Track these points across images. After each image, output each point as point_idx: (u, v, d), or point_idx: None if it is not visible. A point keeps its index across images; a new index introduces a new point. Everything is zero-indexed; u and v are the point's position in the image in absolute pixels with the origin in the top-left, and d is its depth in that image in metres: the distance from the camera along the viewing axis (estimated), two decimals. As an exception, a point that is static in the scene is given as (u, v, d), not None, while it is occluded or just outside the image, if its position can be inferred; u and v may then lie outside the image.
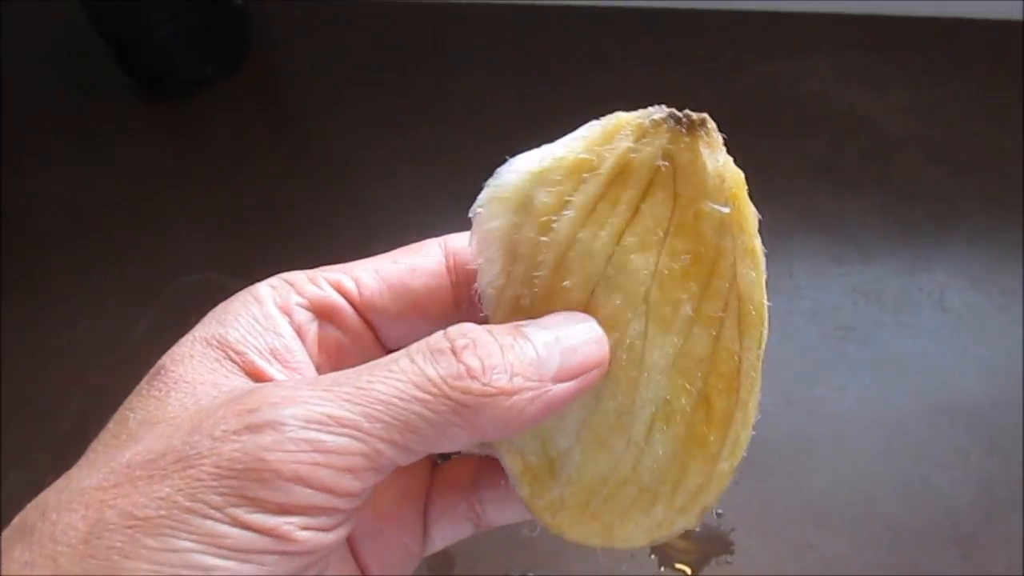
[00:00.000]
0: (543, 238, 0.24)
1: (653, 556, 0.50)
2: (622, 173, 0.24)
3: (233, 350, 0.23)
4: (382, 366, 0.21)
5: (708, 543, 0.51)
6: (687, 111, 0.23)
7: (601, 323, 0.24)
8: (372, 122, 0.72)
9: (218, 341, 0.23)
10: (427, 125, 0.71)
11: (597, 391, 0.25)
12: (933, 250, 0.59)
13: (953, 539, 0.50)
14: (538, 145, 0.25)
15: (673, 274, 0.24)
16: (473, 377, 0.21)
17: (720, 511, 0.51)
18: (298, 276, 0.26)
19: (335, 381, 0.21)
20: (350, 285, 0.26)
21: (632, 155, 0.24)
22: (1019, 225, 0.60)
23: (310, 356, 0.25)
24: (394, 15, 0.79)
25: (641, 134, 0.23)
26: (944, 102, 0.65)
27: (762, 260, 0.24)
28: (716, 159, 0.23)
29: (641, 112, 0.24)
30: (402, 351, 0.22)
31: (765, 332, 0.25)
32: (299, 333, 0.25)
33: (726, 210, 0.23)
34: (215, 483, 0.19)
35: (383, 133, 0.71)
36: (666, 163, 0.23)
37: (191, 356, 0.23)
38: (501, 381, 0.21)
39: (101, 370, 0.61)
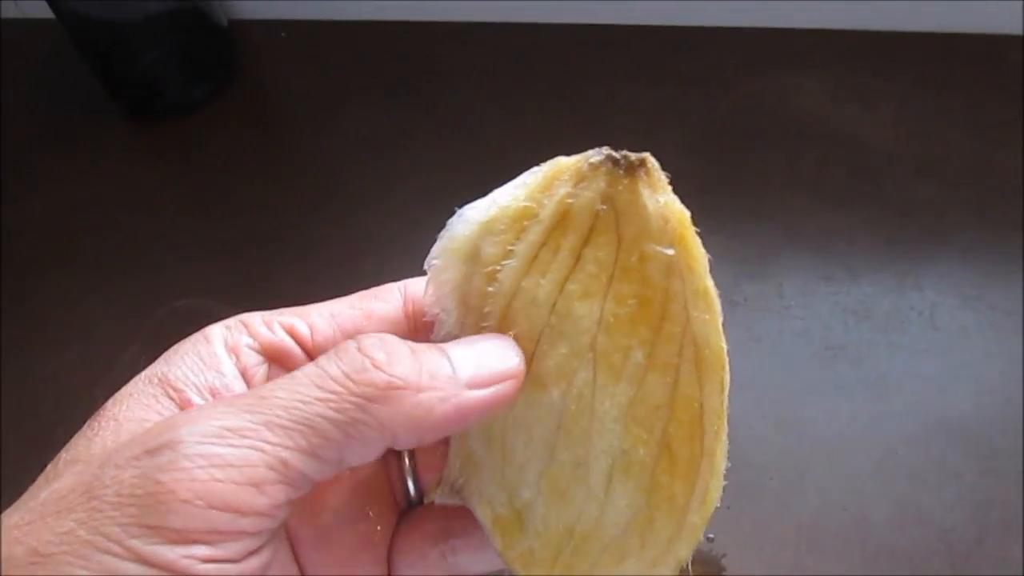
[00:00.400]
0: (490, 288, 0.24)
1: (644, 582, 0.49)
2: (563, 219, 0.23)
3: (172, 387, 0.23)
4: (289, 375, 0.21)
5: (699, 569, 0.50)
6: (625, 152, 0.23)
7: (548, 373, 0.24)
8: (362, 142, 0.72)
9: (159, 379, 0.23)
10: (417, 144, 0.71)
11: (551, 441, 0.24)
12: (923, 267, 0.59)
13: (948, 561, 0.49)
14: (525, 164, 0.25)
15: (620, 320, 0.23)
16: (378, 368, 0.21)
17: (711, 535, 0.51)
18: (253, 318, 0.25)
19: (240, 396, 0.20)
20: (303, 330, 0.25)
21: (571, 201, 0.23)
22: (1010, 241, 0.59)
23: None
24: (382, 34, 0.79)
25: (580, 179, 0.23)
26: (933, 117, 0.65)
27: (716, 302, 0.23)
28: (657, 200, 0.23)
29: (580, 156, 0.23)
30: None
31: (727, 377, 0.24)
32: (246, 375, 0.24)
33: (670, 252, 0.23)
34: (115, 512, 0.18)
35: (373, 153, 0.71)
36: (604, 207, 0.23)
37: (131, 395, 0.23)
38: (409, 375, 0.21)
39: (90, 396, 0.60)
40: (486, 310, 0.24)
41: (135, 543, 0.18)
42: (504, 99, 0.73)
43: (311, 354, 0.25)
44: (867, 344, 0.56)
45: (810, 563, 0.50)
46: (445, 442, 0.27)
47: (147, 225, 0.70)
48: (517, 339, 0.24)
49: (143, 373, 0.23)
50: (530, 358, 0.24)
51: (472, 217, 0.24)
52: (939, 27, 0.69)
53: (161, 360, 0.24)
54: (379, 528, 0.27)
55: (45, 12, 0.70)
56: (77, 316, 0.65)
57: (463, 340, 0.24)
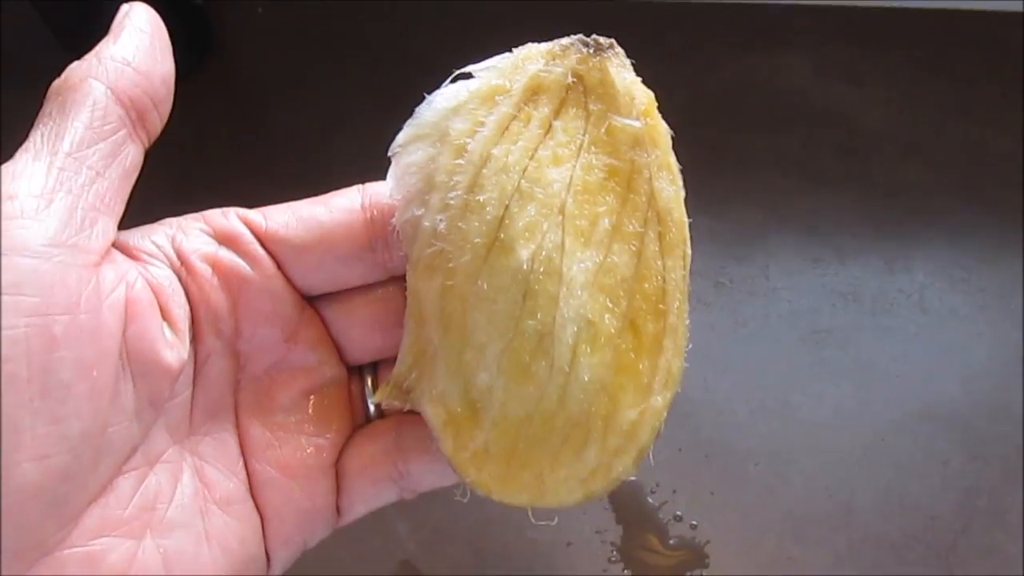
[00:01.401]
0: (458, 160, 0.24)
1: (627, 571, 0.49)
2: (534, 93, 0.24)
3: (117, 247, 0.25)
4: None
5: (682, 556, 0.49)
6: (595, 35, 0.25)
7: (516, 235, 0.24)
8: (341, 121, 0.70)
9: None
10: (399, 122, 0.69)
11: (516, 311, 0.24)
12: (912, 249, 0.58)
13: (933, 549, 0.48)
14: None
15: (589, 187, 0.24)
16: None
17: (695, 522, 0.50)
18: (214, 211, 0.27)
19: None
20: (257, 218, 0.26)
21: (543, 75, 0.24)
22: (1000, 223, 0.58)
23: (207, 275, 0.25)
24: (363, 10, 0.77)
25: (551, 58, 0.24)
26: (923, 97, 0.64)
27: (679, 176, 0.25)
28: (624, 77, 0.24)
29: (551, 42, 0.25)
30: None
31: (688, 252, 0.25)
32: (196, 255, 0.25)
33: (637, 124, 0.24)
34: None
35: (350, 131, 0.69)
36: (575, 79, 0.24)
37: None
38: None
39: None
40: (454, 180, 0.24)
41: None
42: (486, 77, 0.71)
43: (263, 239, 0.26)
44: (855, 328, 0.55)
45: (795, 550, 0.49)
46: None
47: (119, 205, 0.68)
48: (485, 204, 0.24)
49: None
50: (498, 224, 0.24)
51: (440, 103, 0.25)
52: (930, 4, 0.67)
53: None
54: (330, 437, 0.27)
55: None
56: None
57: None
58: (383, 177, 0.26)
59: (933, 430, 0.52)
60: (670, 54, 0.68)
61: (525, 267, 0.24)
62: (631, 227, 0.24)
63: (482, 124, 0.24)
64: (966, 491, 0.50)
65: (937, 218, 0.59)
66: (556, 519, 0.26)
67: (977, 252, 0.57)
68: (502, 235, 0.24)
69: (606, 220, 0.24)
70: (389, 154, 0.25)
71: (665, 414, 0.25)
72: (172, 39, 0.24)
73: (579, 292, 0.23)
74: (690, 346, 0.25)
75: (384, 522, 0.49)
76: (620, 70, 0.24)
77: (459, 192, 0.24)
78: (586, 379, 0.24)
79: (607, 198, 0.24)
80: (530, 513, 0.26)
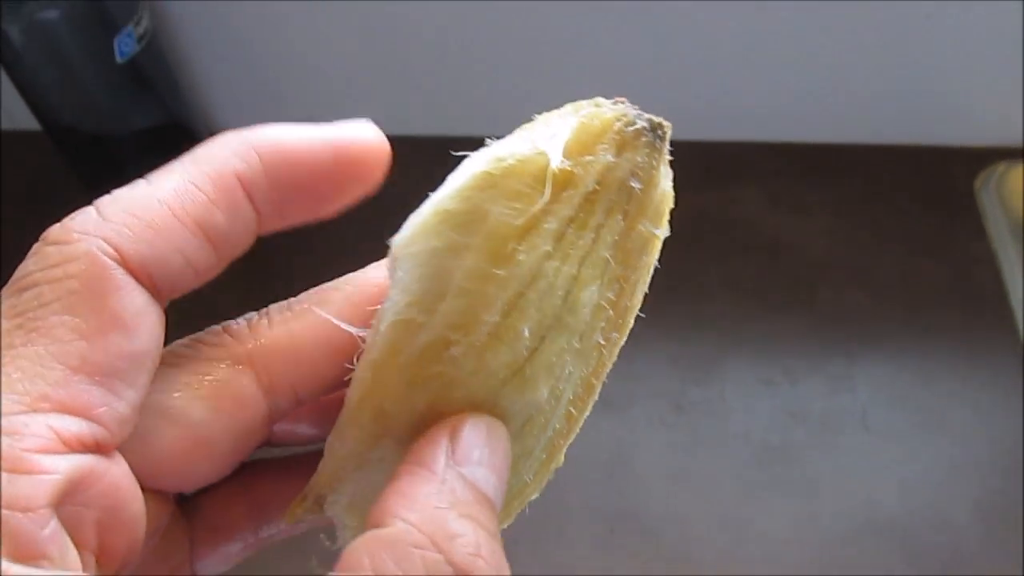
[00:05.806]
0: (499, 271, 0.19)
1: None
2: (595, 191, 0.20)
3: None
4: None
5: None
6: (661, 120, 0.21)
7: (541, 371, 0.20)
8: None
9: None
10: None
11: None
12: (856, 371, 0.63)
13: (878, 657, 0.52)
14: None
15: (605, 304, 0.21)
16: None
17: (657, 634, 0.53)
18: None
19: None
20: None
21: (613, 169, 0.20)
22: (936, 345, 0.63)
23: None
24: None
25: (622, 146, 0.20)
26: (865, 227, 0.69)
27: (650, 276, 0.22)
28: (667, 179, 0.21)
29: (617, 113, 0.20)
30: None
31: (622, 343, 0.22)
32: None
33: (659, 234, 0.21)
34: None
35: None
36: (639, 185, 0.20)
37: None
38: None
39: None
40: (492, 298, 0.19)
41: None
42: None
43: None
44: (803, 445, 0.60)
45: (751, 659, 0.53)
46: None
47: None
48: (523, 337, 0.20)
49: None
50: (529, 357, 0.20)
51: (472, 166, 0.20)
52: (871, 140, 0.73)
53: None
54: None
55: (36, 124, 0.73)
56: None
57: (483, 453, 0.19)
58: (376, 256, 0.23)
59: (877, 541, 0.56)
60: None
61: (533, 405, 0.20)
62: (608, 335, 0.21)
63: (537, 220, 0.19)
64: (908, 599, 0.54)
65: (878, 340, 0.64)
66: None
67: (914, 371, 0.62)
68: (527, 370, 0.20)
69: (599, 335, 0.21)
70: (390, 242, 0.20)
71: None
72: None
73: (562, 409, 0.21)
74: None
75: None
76: (665, 171, 0.21)
77: (494, 316, 0.19)
78: (527, 480, 0.22)
79: (608, 313, 0.21)
80: None
